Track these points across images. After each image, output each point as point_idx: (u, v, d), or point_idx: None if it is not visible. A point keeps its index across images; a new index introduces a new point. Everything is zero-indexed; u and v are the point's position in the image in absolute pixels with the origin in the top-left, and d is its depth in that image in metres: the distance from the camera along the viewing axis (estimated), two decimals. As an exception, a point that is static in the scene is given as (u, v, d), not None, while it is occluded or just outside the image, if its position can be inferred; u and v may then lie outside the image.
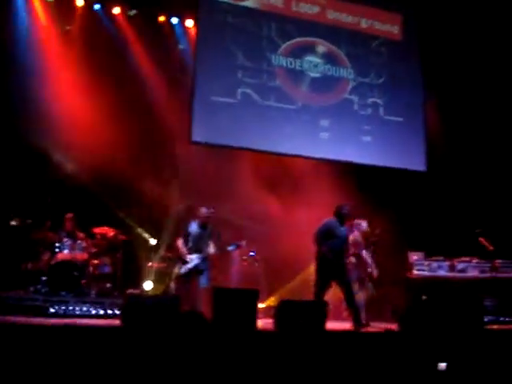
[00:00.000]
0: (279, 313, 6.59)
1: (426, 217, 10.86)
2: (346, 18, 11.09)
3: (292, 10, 10.73)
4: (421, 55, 11.55)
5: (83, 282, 8.40)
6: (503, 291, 8.89)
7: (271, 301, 9.57)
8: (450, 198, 10.83)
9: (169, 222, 10.10)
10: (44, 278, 8.21)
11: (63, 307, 7.71)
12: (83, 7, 10.33)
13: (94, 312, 7.81)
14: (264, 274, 10.03)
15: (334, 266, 7.64)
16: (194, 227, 7.92)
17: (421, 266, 8.98)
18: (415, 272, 8.82)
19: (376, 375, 4.67)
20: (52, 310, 7.61)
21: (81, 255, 8.67)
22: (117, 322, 6.35)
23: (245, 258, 10.01)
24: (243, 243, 8.08)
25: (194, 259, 7.75)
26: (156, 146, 10.43)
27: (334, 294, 8.02)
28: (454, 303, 7.15)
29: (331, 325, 7.04)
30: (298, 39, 10.71)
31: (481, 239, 8.96)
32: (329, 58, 10.88)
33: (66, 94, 9.75)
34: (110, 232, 9.30)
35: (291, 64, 10.60)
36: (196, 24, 10.46)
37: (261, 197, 10.00)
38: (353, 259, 8.29)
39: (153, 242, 10.16)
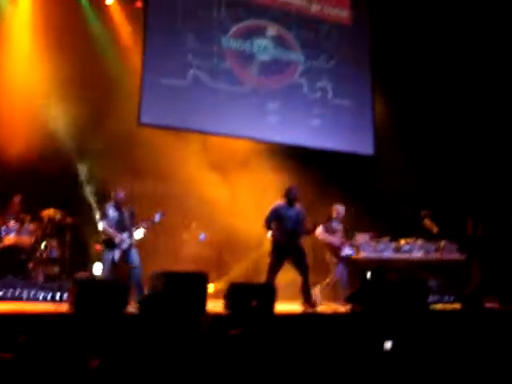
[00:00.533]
0: (229, 295, 6.66)
1: (373, 199, 11.11)
2: (296, 2, 11.11)
3: (243, -8, 10.67)
4: (370, 40, 11.69)
5: (30, 265, 8.28)
6: (447, 272, 9.21)
7: (221, 283, 9.64)
8: (397, 181, 11.06)
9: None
10: (-10, 263, 8.06)
11: (10, 291, 7.60)
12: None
13: (41, 296, 7.73)
14: (214, 256, 10.09)
15: (287, 247, 7.84)
16: (110, 211, 7.82)
17: (367, 248, 9.18)
18: (362, 253, 9.01)
19: (324, 356, 4.81)
20: (-1, 295, 7.48)
21: (28, 239, 8.53)
22: (65, 306, 6.30)
23: (194, 240, 10.04)
24: (163, 212, 7.95)
25: (125, 239, 7.70)
26: (105, 126, 10.25)
27: (286, 275, 8.18)
28: (398, 283, 7.40)
29: (282, 307, 7.14)
30: (249, 22, 10.69)
31: (426, 221, 9.20)
32: (278, 42, 10.91)
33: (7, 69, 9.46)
34: (57, 214, 9.13)
35: (241, 46, 10.59)
36: (145, 6, 10.23)
37: (209, 178, 10.01)
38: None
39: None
